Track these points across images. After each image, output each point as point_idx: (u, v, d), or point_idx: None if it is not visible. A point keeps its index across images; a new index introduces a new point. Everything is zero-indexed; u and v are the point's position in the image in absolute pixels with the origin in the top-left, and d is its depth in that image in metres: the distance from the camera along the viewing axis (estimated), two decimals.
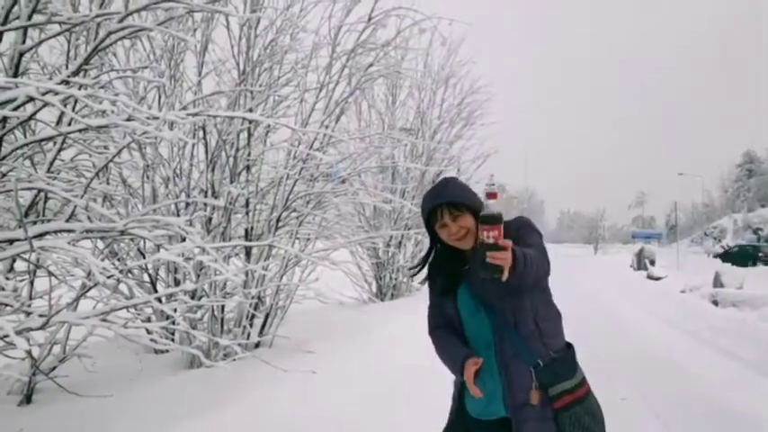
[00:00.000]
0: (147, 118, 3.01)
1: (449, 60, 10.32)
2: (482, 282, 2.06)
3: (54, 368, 4.63)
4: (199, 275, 5.23)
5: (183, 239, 4.79)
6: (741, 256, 37.75)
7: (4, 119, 2.75)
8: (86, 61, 2.85)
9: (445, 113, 10.51)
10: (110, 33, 2.74)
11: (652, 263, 32.14)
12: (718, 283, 17.15)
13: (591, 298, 15.60)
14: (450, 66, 10.35)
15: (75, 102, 3.34)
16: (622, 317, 12.13)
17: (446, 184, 2.29)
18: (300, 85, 5.54)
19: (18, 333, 2.81)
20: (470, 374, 2.08)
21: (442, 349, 2.26)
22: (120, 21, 2.69)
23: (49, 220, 3.28)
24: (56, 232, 2.83)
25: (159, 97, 5.38)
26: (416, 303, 9.30)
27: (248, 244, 4.67)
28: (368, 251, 9.78)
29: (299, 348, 4.67)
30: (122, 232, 3.02)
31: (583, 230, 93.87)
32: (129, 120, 2.78)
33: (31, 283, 3.93)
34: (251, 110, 5.07)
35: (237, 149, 5.09)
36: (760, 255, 38.53)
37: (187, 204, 5.22)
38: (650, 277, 26.47)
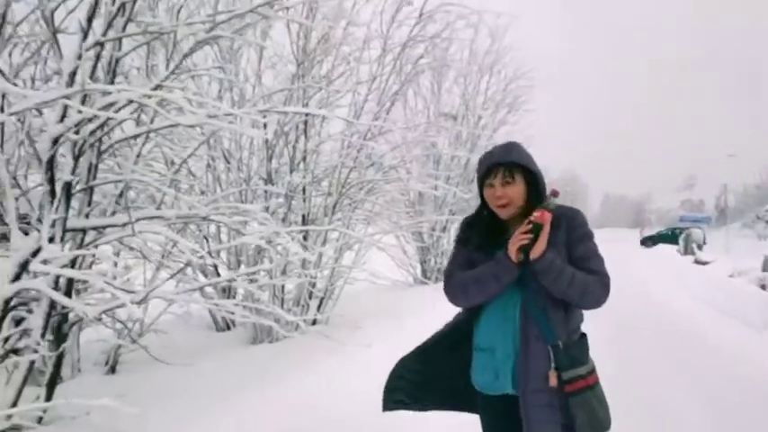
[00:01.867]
0: (226, 114, 3.34)
1: (493, 47, 10.49)
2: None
3: (134, 341, 5.09)
4: (260, 257, 5.65)
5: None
6: (665, 240, 37.79)
7: (106, 120, 3.11)
8: (177, 67, 3.20)
9: (490, 100, 10.69)
10: (198, 43, 3.08)
11: (699, 247, 31.58)
12: (767, 267, 16.87)
13: (635, 284, 15.54)
14: (495, 52, 10.51)
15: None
16: (666, 301, 12.11)
17: (510, 147, 2.27)
18: (354, 76, 5.84)
19: (116, 308, 3.22)
20: (517, 240, 2.07)
21: (469, 277, 2.21)
22: (209, 31, 3.02)
23: (138, 209, 3.67)
24: (150, 218, 3.20)
25: (220, 91, 5.76)
26: None
27: (322, 228, 5.01)
28: (413, 236, 10.06)
29: (353, 325, 5.00)
30: (204, 218, 3.38)
31: (628, 214, 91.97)
32: (211, 117, 3.12)
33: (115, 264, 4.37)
34: (307, 104, 5.39)
35: (297, 140, 5.43)
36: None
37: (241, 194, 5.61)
38: (697, 262, 26.05)
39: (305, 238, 5.64)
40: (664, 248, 35.32)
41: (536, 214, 2.06)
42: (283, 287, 5.29)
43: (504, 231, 2.19)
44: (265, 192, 5.50)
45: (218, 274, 6.13)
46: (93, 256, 3.48)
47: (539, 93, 11.56)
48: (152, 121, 3.65)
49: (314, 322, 5.64)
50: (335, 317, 5.61)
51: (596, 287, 2.13)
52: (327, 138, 5.64)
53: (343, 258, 6.06)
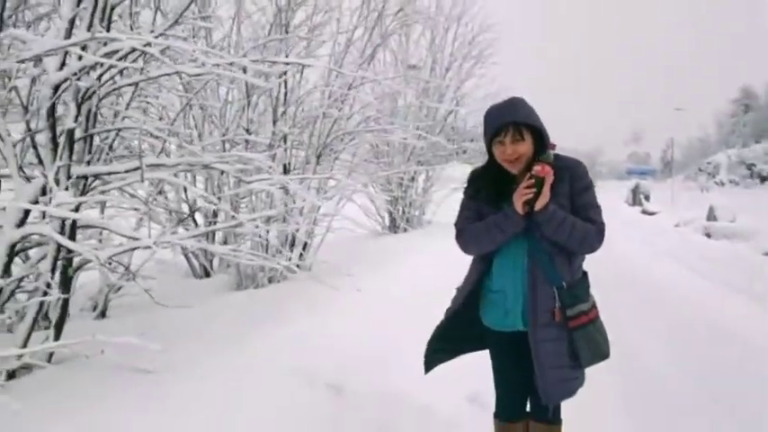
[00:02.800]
0: (214, 65, 3.39)
1: None
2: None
3: (119, 288, 5.15)
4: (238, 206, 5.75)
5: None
6: None
7: (109, 68, 3.14)
8: (177, 19, 3.22)
9: (457, 52, 10.78)
10: None
11: (647, 198, 32.88)
12: (711, 216, 17.79)
13: None
14: (462, 3, 10.58)
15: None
16: (619, 250, 12.69)
17: (515, 104, 2.38)
18: (334, 25, 5.86)
19: (126, 252, 3.32)
20: (521, 194, 2.25)
21: (479, 228, 2.40)
22: None
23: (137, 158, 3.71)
24: (156, 165, 3.27)
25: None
26: (430, 234, 9.88)
27: (317, 176, 5.13)
28: (381, 186, 10.22)
29: (337, 272, 5.19)
30: (206, 166, 3.47)
31: None
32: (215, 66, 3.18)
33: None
34: (287, 54, 5.42)
35: (279, 90, 5.46)
36: None
37: (224, 143, 5.65)
38: (645, 212, 27.19)
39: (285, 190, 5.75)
40: (612, 199, 36.60)
41: (537, 168, 2.25)
42: (268, 234, 5.41)
43: (510, 183, 2.37)
44: (246, 141, 5.56)
45: (196, 224, 6.23)
46: (101, 203, 3.54)
47: (502, 49, 11.72)
48: (142, 72, 3.67)
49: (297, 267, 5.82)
50: (318, 264, 5.78)
51: (593, 235, 2.35)
52: (312, 88, 5.68)
53: (322, 208, 6.21)
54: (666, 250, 12.76)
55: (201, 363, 3.12)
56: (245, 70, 3.52)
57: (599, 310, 2.47)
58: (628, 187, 38.73)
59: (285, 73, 5.61)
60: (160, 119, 4.86)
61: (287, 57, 5.34)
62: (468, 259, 2.61)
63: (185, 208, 6.16)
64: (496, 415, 2.65)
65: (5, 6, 2.69)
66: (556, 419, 2.54)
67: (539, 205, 2.26)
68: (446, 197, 11.45)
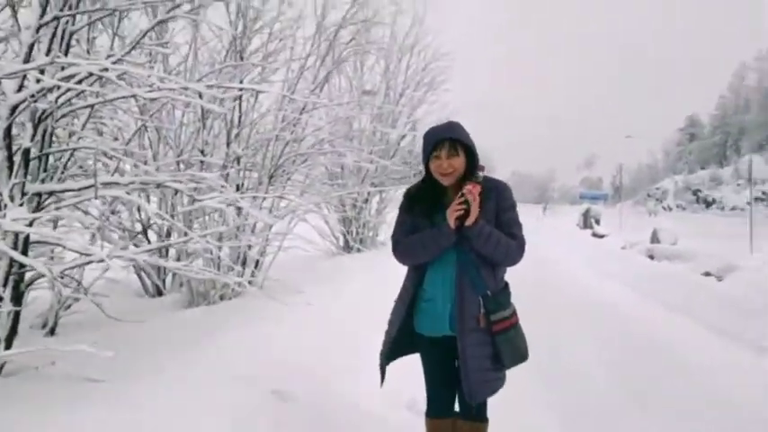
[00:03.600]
0: (169, 90, 3.59)
1: (413, 29, 10.97)
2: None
3: (69, 306, 5.20)
4: (191, 224, 5.88)
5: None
6: None
7: (66, 90, 3.30)
8: (134, 45, 3.41)
9: (410, 79, 11.16)
10: (159, 21, 3.32)
11: (597, 222, 33.93)
12: (655, 239, 18.57)
13: (538, 253, 16.72)
14: (414, 35, 11.00)
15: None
16: (567, 269, 13.18)
17: (453, 125, 2.70)
18: (287, 53, 6.10)
19: (79, 267, 3.44)
20: (453, 210, 2.52)
21: (415, 241, 2.66)
22: (170, 10, 3.27)
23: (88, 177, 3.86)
24: (109, 184, 3.42)
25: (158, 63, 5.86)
26: (382, 254, 10.11)
27: (268, 195, 5.32)
28: (335, 207, 10.44)
29: (287, 290, 5.37)
30: (159, 185, 3.64)
31: (533, 191, 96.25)
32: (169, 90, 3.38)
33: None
34: (242, 80, 5.63)
35: (233, 113, 5.66)
36: None
37: (178, 164, 5.80)
38: (595, 235, 28.08)
39: (239, 209, 5.92)
40: (564, 223, 37.57)
41: (467, 187, 2.54)
42: (219, 253, 5.56)
43: (442, 197, 2.67)
44: (201, 162, 5.72)
45: (149, 242, 6.32)
46: (54, 221, 3.65)
47: (454, 74, 12.17)
48: (98, 95, 3.83)
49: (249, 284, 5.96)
50: (270, 281, 5.94)
51: (515, 249, 2.62)
52: (266, 112, 5.89)
53: (274, 227, 6.39)
54: (611, 270, 13.32)
55: (153, 371, 3.26)
56: (200, 95, 3.71)
57: (520, 319, 2.72)
58: (579, 211, 39.86)
59: (240, 97, 5.82)
60: (115, 139, 4.99)
61: (241, 82, 5.55)
62: None
63: (138, 227, 6.26)
64: (427, 413, 2.88)
65: None
66: (481, 417, 2.77)
67: (469, 221, 2.52)
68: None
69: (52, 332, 5.00)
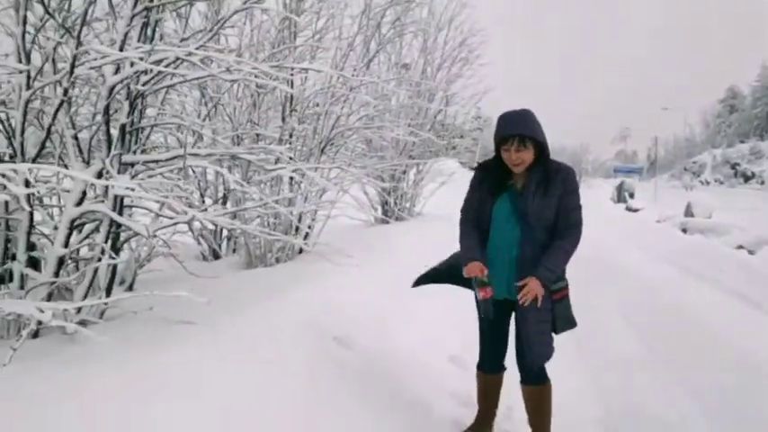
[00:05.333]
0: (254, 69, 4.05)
1: (451, 4, 11.21)
2: (526, 199, 2.83)
3: (143, 266, 5.76)
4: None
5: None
6: None
7: (157, 73, 3.78)
8: (215, 32, 3.86)
9: (447, 54, 11.44)
10: (235, 11, 3.76)
11: (631, 196, 33.77)
12: (689, 213, 18.62)
13: None
14: (452, 10, 11.25)
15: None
16: (601, 243, 13.42)
17: (525, 117, 2.82)
18: (337, 32, 6.51)
19: (169, 227, 3.95)
20: (470, 272, 2.87)
21: (465, 239, 3.00)
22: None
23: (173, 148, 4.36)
24: (197, 155, 3.91)
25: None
26: (420, 224, 10.56)
27: (327, 166, 5.79)
28: (375, 179, 10.87)
29: (337, 254, 5.84)
30: (233, 156, 4.11)
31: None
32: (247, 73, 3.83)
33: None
34: (294, 60, 6.06)
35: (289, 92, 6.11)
36: None
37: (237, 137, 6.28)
38: (629, 209, 28.07)
39: (291, 179, 6.40)
40: (598, 197, 37.47)
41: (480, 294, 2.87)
42: (276, 218, 6.06)
43: (509, 178, 2.94)
44: (257, 135, 6.19)
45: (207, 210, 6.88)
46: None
47: (491, 49, 12.40)
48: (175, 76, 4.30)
49: (300, 251, 6.48)
50: (320, 246, 6.42)
51: (574, 241, 2.90)
52: (319, 90, 6.31)
53: (324, 196, 6.87)
54: (643, 242, 13.54)
55: (234, 318, 3.77)
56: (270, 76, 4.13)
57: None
58: (613, 185, 39.61)
59: (292, 75, 6.25)
60: (206, 118, 5.49)
61: (293, 61, 5.98)
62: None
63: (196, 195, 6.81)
64: (479, 367, 3.26)
65: (83, 26, 3.30)
66: (544, 380, 3.08)
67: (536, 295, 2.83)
68: (435, 190, 12.17)
69: (130, 288, 5.56)
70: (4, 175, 2.97)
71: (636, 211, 26.95)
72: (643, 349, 5.10)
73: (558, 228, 2.90)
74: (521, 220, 2.89)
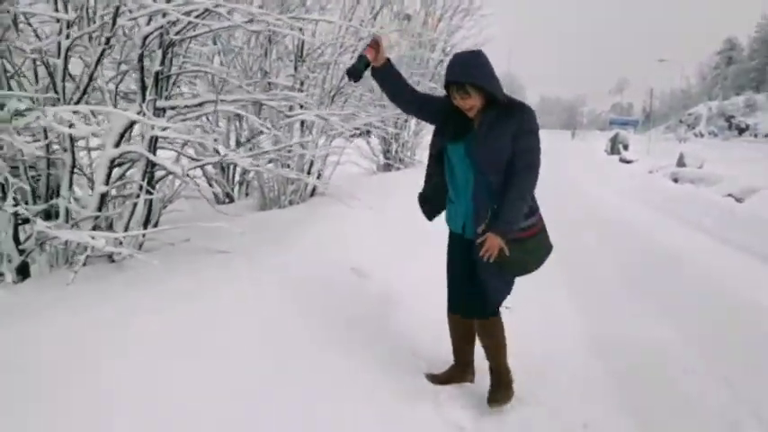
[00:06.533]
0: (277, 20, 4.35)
1: None
2: (477, 148, 2.78)
3: (165, 206, 6.13)
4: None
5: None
6: None
7: (187, 24, 4.08)
8: None
9: (449, 5, 11.60)
10: None
11: (625, 148, 34.04)
12: (681, 163, 19.00)
13: (564, 177, 17.34)
14: None
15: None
16: (591, 192, 13.81)
17: (464, 64, 2.72)
18: None
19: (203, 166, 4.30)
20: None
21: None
22: None
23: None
24: (225, 101, 4.24)
25: None
26: (420, 172, 10.94)
27: (343, 113, 6.12)
28: (376, 128, 11.18)
29: (348, 195, 6.23)
30: (256, 102, 4.45)
31: (562, 116, 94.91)
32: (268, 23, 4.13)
33: None
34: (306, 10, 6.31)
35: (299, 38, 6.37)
36: None
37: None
38: (622, 161, 28.39)
39: (302, 123, 6.73)
40: (593, 149, 37.74)
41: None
42: (289, 165, 6.42)
43: (468, 121, 2.87)
44: (269, 84, 6.49)
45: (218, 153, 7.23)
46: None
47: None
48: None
49: (312, 193, 6.88)
50: (331, 189, 6.81)
51: (527, 186, 2.75)
52: (332, 40, 6.57)
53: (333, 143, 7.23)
54: (633, 191, 13.97)
55: (260, 249, 4.19)
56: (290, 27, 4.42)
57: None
58: (608, 137, 39.82)
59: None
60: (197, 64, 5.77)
61: (305, 12, 6.23)
62: None
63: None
64: (448, 307, 3.29)
65: None
66: (491, 313, 3.08)
67: (494, 250, 2.72)
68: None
69: (155, 225, 5.96)
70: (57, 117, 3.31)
71: (629, 162, 27.25)
72: (625, 281, 5.58)
73: (513, 171, 2.76)
74: (472, 165, 2.86)
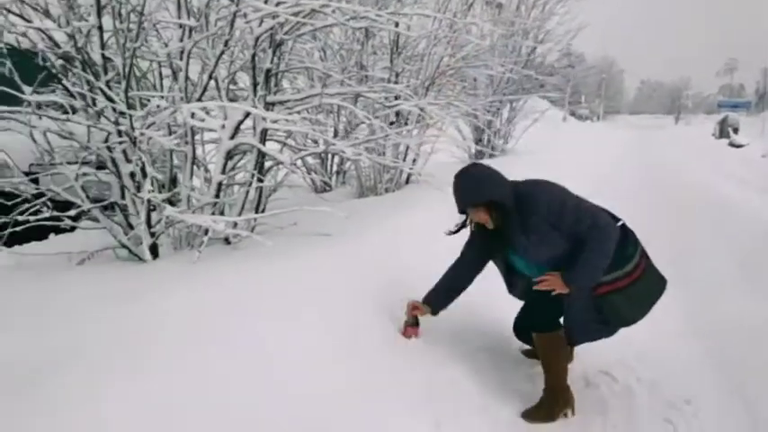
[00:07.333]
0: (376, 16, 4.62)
1: None
2: (519, 251, 2.95)
3: (270, 195, 6.58)
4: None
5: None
6: None
7: (296, 23, 4.42)
8: None
9: None
10: None
11: (735, 131, 32.00)
12: None
13: (671, 165, 16.63)
14: None
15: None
16: (695, 178, 13.17)
17: (459, 190, 2.89)
18: None
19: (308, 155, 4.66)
20: (410, 311, 3.29)
21: (443, 275, 3.29)
22: None
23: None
24: (329, 94, 4.57)
25: None
26: (513, 160, 10.94)
27: (443, 102, 6.37)
28: (468, 117, 11.27)
29: (441, 183, 6.42)
30: (358, 95, 4.74)
31: (664, 100, 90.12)
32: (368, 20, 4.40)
33: None
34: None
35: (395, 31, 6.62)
36: None
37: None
38: (732, 145, 26.71)
39: (397, 114, 6.98)
40: (699, 133, 35.70)
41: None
42: (384, 153, 6.71)
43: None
44: (365, 76, 6.78)
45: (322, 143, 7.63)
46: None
47: None
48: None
49: (407, 181, 7.15)
50: (425, 177, 7.05)
51: (599, 245, 2.71)
52: (427, 33, 6.79)
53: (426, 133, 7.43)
54: (739, 175, 13.22)
55: (360, 232, 4.49)
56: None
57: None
58: (716, 121, 37.55)
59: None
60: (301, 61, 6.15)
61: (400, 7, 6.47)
62: None
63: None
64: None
65: None
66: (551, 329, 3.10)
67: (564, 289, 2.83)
68: (528, 128, 12.47)
69: (263, 211, 6.42)
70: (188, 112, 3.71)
71: (739, 146, 25.67)
72: (737, 265, 5.44)
73: (580, 239, 2.76)
74: (532, 266, 2.99)
